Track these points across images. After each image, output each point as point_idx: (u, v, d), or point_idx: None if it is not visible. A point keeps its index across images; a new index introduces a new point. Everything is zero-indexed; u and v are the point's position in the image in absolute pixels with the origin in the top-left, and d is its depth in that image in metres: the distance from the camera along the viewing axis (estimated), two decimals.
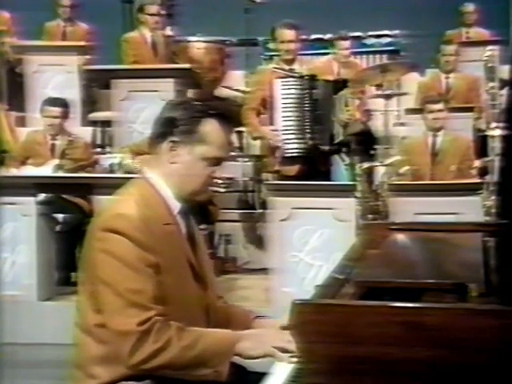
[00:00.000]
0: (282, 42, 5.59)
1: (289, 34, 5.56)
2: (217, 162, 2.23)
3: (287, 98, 5.41)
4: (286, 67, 5.58)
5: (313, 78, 5.47)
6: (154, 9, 6.88)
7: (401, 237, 2.63)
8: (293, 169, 5.43)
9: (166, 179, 2.22)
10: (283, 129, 5.42)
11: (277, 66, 5.65)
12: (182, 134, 2.19)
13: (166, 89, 6.06)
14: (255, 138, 6.04)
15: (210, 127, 2.21)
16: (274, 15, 7.50)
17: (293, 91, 5.41)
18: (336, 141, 5.44)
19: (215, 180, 2.32)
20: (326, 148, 5.41)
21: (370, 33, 8.00)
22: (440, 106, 5.33)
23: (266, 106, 5.55)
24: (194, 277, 2.24)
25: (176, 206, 2.23)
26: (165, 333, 2.05)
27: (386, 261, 2.36)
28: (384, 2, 8.24)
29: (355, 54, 7.54)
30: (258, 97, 5.59)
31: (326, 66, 6.63)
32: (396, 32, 7.97)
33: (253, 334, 2.17)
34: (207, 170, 2.22)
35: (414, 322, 1.66)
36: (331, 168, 5.65)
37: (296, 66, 5.61)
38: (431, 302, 1.81)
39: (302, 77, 5.47)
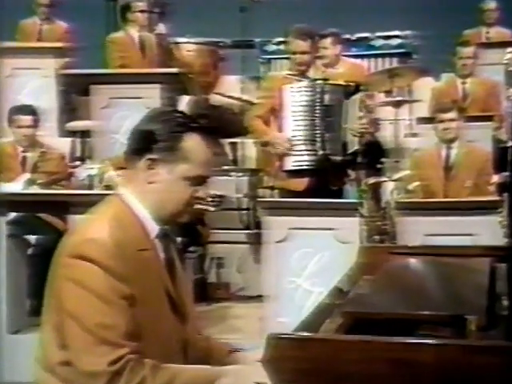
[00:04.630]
0: (294, 53, 5.57)
1: (302, 45, 5.52)
2: (200, 180, 2.24)
3: (297, 106, 5.45)
4: (300, 74, 5.59)
5: (325, 81, 5.50)
6: (144, 5, 6.90)
7: (401, 262, 2.64)
8: (301, 183, 5.44)
9: (142, 199, 2.22)
10: (292, 139, 5.44)
11: (290, 73, 5.65)
12: (161, 151, 2.19)
13: (152, 95, 6.07)
14: (262, 145, 6.04)
15: (193, 143, 2.21)
16: (272, 14, 7.57)
17: (304, 97, 5.44)
18: (349, 151, 5.44)
19: (200, 199, 2.33)
20: (338, 159, 5.42)
21: (378, 33, 7.98)
22: (452, 114, 5.33)
23: (275, 115, 5.57)
24: (171, 309, 2.24)
25: (154, 228, 2.23)
26: (138, 372, 2.05)
27: (382, 288, 2.37)
28: None
29: (362, 56, 7.59)
30: (267, 105, 5.61)
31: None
32: (407, 32, 7.93)
33: (233, 369, 2.17)
34: (189, 190, 2.22)
35: (403, 359, 1.67)
36: (344, 187, 5.67)
37: (311, 73, 5.62)
38: (425, 336, 1.82)
39: (313, 81, 5.50)
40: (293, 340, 1.74)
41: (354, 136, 5.39)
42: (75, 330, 2.07)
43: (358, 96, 5.49)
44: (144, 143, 2.21)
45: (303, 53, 5.53)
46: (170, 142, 2.19)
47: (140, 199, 2.22)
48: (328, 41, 6.78)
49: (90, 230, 2.16)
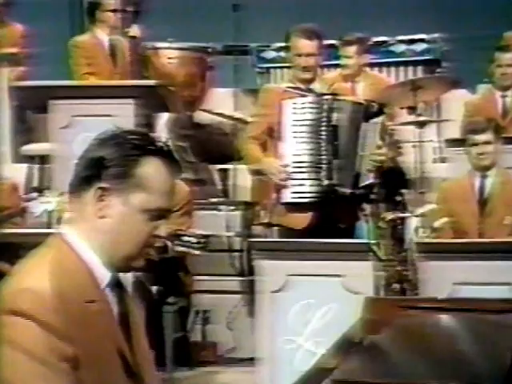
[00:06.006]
0: (299, 55, 5.60)
1: (307, 45, 5.56)
2: (160, 214, 2.24)
3: (299, 125, 5.47)
4: (303, 87, 5.62)
5: (334, 97, 5.51)
6: (116, 3, 6.92)
7: (413, 319, 2.63)
8: (303, 220, 5.44)
9: (91, 238, 2.21)
10: (292, 166, 5.47)
11: (291, 85, 5.67)
12: (114, 178, 2.19)
13: (124, 113, 6.07)
14: (255, 173, 6.06)
15: (151, 168, 2.21)
16: (271, 14, 7.64)
17: (307, 116, 5.46)
18: (362, 183, 5.46)
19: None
20: (348, 191, 5.42)
21: (400, 37, 7.99)
22: (487, 136, 5.33)
23: (272, 135, 5.59)
24: (126, 373, 2.23)
25: (104, 275, 2.22)
26: None
27: (386, 351, 2.37)
28: None
29: (380, 65, 7.62)
30: (263, 124, 5.64)
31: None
32: (435, 36, 7.93)
33: None
34: (147, 227, 2.22)
35: None
36: (356, 224, 5.67)
37: (316, 86, 5.66)
38: None
39: (319, 96, 5.53)
40: None
41: (373, 167, 5.39)
42: None
43: (380, 119, 5.51)
44: (93, 170, 2.21)
45: (309, 55, 5.56)
46: (123, 168, 2.20)
47: (87, 239, 2.22)
48: (353, 49, 6.81)
49: (25, 278, 2.15)
